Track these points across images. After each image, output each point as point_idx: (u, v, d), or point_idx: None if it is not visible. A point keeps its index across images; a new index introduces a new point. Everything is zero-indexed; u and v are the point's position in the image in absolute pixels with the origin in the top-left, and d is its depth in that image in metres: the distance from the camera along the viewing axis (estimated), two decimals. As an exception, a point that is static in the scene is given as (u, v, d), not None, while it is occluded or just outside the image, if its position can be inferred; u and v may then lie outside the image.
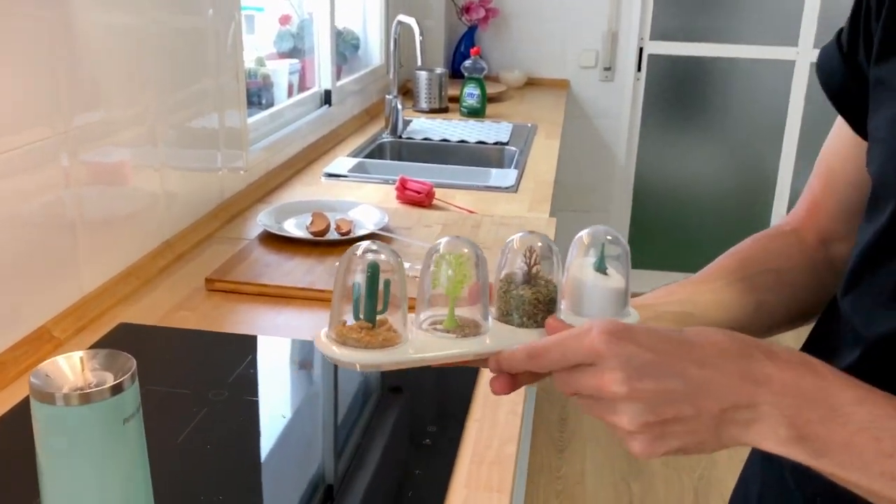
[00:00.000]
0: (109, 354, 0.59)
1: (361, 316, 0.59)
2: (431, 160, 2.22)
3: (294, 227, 1.47)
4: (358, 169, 2.01)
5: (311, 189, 1.82)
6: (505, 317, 0.63)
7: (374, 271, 0.58)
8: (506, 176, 1.95)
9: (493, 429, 0.92)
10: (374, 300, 0.58)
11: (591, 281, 0.63)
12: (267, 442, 0.89)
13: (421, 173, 1.86)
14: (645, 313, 0.66)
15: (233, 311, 1.20)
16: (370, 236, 1.43)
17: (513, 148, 2.29)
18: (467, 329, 0.61)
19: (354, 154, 2.16)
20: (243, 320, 1.18)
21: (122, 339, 1.08)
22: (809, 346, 0.74)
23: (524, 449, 2.23)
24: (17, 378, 0.98)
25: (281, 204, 1.59)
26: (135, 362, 0.59)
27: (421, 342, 0.61)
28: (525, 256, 0.62)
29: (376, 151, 2.31)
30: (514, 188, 1.87)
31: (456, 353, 0.61)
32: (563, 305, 0.64)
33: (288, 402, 0.99)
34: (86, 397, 0.55)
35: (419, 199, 1.69)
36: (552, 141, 2.42)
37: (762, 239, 0.79)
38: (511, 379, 0.60)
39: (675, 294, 0.72)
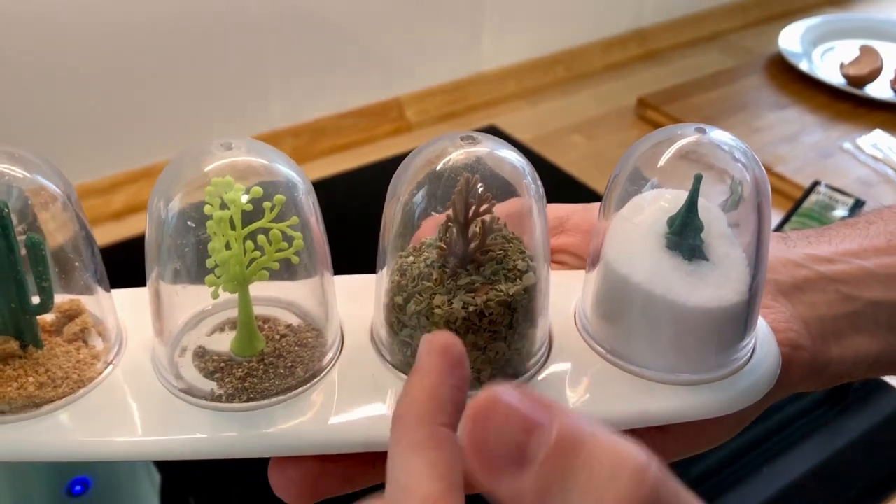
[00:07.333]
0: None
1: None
2: None
3: (824, 60, 1.00)
4: None
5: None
6: (397, 337, 0.29)
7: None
8: None
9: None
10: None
11: (655, 282, 0.28)
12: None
13: None
14: (816, 296, 0.32)
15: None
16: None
17: None
18: (287, 358, 0.29)
19: None
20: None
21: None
22: None
23: None
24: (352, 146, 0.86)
25: (837, 19, 1.09)
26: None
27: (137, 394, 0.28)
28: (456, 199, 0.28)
29: None
30: None
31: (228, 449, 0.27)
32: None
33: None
34: None
35: None
36: None
37: None
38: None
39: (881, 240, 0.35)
